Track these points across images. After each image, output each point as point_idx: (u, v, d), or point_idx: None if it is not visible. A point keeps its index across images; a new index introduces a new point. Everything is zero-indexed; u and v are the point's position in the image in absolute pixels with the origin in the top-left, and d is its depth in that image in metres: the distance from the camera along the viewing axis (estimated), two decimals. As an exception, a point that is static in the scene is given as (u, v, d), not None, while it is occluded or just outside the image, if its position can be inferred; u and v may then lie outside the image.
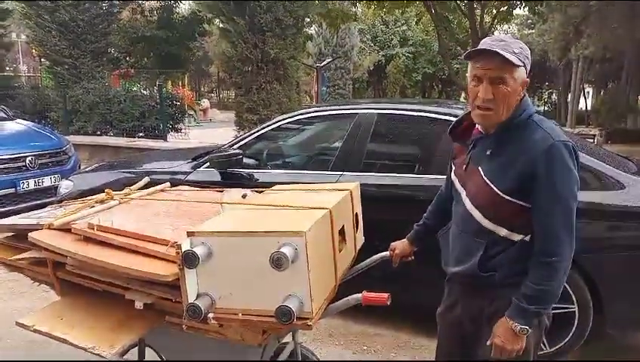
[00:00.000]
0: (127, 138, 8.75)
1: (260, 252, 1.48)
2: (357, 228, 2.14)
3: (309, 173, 3.35)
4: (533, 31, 25.36)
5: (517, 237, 1.54)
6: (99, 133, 9.43)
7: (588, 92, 31.98)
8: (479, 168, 1.56)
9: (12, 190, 4.99)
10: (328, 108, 3.63)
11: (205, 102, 26.29)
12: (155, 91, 8.94)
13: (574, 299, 2.70)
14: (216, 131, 13.82)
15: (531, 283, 1.46)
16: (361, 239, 2.21)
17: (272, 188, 2.23)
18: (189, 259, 1.50)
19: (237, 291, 1.57)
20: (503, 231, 1.54)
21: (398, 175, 3.17)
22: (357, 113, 3.28)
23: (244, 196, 2.10)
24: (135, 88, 10.41)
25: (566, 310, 2.70)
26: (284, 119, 3.51)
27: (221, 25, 8.45)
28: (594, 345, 2.86)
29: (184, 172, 3.52)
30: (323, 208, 1.74)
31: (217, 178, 3.40)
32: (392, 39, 29.49)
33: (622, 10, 14.39)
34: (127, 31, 14.61)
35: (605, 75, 27.26)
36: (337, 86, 22.46)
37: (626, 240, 2.69)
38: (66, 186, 3.88)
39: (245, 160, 3.48)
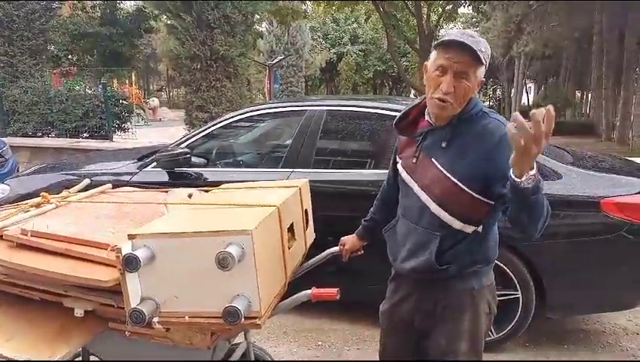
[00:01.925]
0: (71, 139, 8.36)
1: (205, 252, 1.44)
2: (307, 225, 2.13)
3: (260, 171, 3.33)
4: (478, 29, 26.24)
5: (470, 229, 1.56)
6: (40, 134, 8.97)
7: (530, 87, 33.49)
8: (433, 160, 1.56)
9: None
10: (277, 105, 3.60)
11: (154, 101, 25.54)
12: (99, 90, 8.56)
13: (518, 285, 2.81)
14: (166, 130, 13.49)
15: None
16: (311, 235, 2.20)
17: (220, 186, 2.19)
18: (130, 263, 1.45)
19: (182, 294, 1.53)
20: (457, 224, 1.55)
21: (348, 171, 3.20)
22: (306, 110, 3.28)
23: (190, 196, 2.05)
24: (78, 87, 9.94)
25: (510, 296, 2.82)
26: (233, 117, 3.45)
27: (168, 21, 8.22)
28: (536, 330, 2.99)
29: (129, 173, 3.40)
30: (270, 205, 1.72)
31: (165, 178, 3.31)
32: (342, 37, 29.76)
33: (561, 8, 15.14)
34: (67, 27, 13.91)
35: (545, 71, 28.63)
36: (290, 84, 22.36)
37: (564, 227, 2.82)
38: (2, 191, 3.65)
39: (194, 159, 3.40)
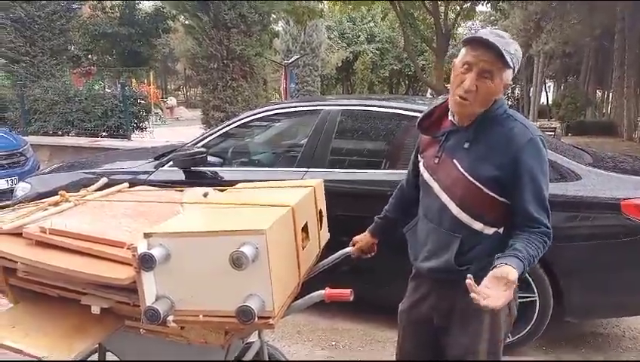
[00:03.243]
0: (90, 138, 8.50)
1: (219, 252, 1.45)
2: (321, 225, 2.13)
3: (275, 170, 3.33)
4: (496, 27, 25.93)
5: (491, 230, 1.55)
6: (60, 133, 9.13)
7: (549, 86, 32.99)
8: (454, 160, 1.56)
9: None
10: (293, 105, 3.61)
11: (172, 101, 25.81)
12: (118, 89, 8.69)
13: (535, 288, 2.77)
14: (183, 130, 13.60)
15: (519, 245, 1.43)
16: (325, 236, 2.20)
17: (235, 186, 2.20)
18: (146, 261, 1.47)
19: (197, 292, 1.54)
20: (477, 225, 1.55)
21: (363, 170, 3.19)
22: (321, 110, 3.28)
23: (205, 195, 2.06)
24: (97, 87, 10.10)
25: (527, 299, 2.78)
26: (248, 116, 3.47)
27: (185, 21, 8.29)
28: (554, 333, 2.95)
29: (146, 171, 3.44)
30: (285, 206, 1.72)
31: (181, 177, 3.34)
32: (359, 36, 29.68)
33: (581, 5, 14.87)
34: (87, 28, 14.14)
35: (565, 69, 28.17)
36: (306, 83, 22.37)
37: (583, 229, 2.77)
38: (22, 189, 3.74)
39: (210, 158, 3.43)
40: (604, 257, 2.74)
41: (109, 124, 8.69)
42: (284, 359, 2.28)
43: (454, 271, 1.58)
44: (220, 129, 3.50)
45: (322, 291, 1.70)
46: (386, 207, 1.99)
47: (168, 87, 44.00)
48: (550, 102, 29.87)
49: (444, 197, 1.59)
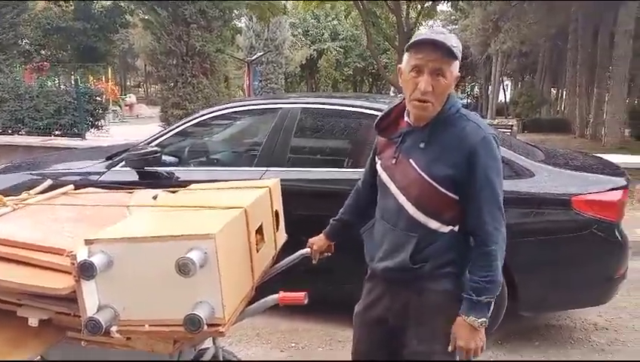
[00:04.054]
0: (42, 137, 8.14)
1: (166, 258, 1.39)
2: (278, 226, 2.09)
3: (233, 170, 3.26)
4: (456, 27, 26.45)
5: (447, 228, 1.56)
6: (10, 131, 8.70)
7: (507, 85, 33.94)
8: (410, 160, 1.56)
9: None
10: (251, 102, 3.55)
11: (131, 97, 25.03)
12: (72, 86, 8.35)
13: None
14: (142, 127, 13.22)
15: (477, 277, 1.50)
16: (282, 237, 2.16)
17: (188, 187, 2.13)
18: (85, 270, 1.39)
19: (143, 301, 1.48)
20: (433, 224, 1.56)
21: (323, 169, 3.16)
22: (281, 108, 3.22)
23: (154, 197, 1.98)
24: (50, 83, 9.66)
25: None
26: (205, 114, 3.38)
27: (144, 16, 8.05)
28: (508, 326, 3.00)
29: (98, 172, 3.30)
30: (237, 207, 1.67)
31: (135, 178, 3.22)
32: (323, 33, 29.68)
33: (538, 6, 15.33)
34: (39, 22, 13.50)
35: (522, 68, 29.06)
36: (270, 80, 22.22)
37: (536, 225, 2.84)
38: (-36, 191, 3.51)
39: (166, 158, 3.33)
40: (556, 252, 2.82)
41: (62, 122, 8.33)
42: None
43: (409, 270, 1.58)
44: (176, 127, 3.39)
45: (276, 295, 1.67)
46: (341, 209, 1.96)
47: (128, 83, 42.80)
48: (508, 100, 30.76)
49: (401, 198, 1.59)
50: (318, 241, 2.01)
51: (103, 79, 22.02)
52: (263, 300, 1.67)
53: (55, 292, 1.44)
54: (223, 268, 1.44)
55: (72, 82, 8.58)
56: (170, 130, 3.39)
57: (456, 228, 1.58)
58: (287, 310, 3.18)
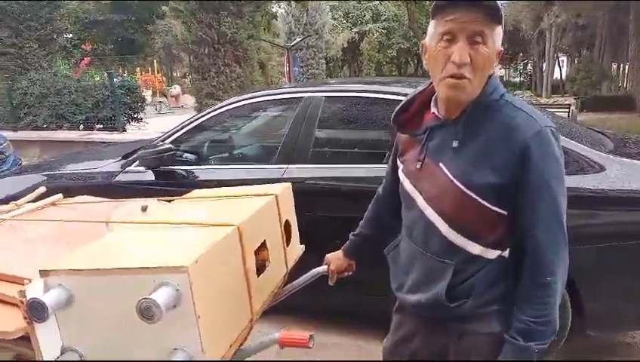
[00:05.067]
0: (82, 131, 8.20)
1: (132, 295, 1.11)
2: (289, 240, 1.78)
3: (251, 167, 2.96)
4: (506, 1, 25.03)
5: (493, 254, 1.19)
6: (54, 127, 8.83)
7: (562, 61, 31.98)
8: (441, 164, 1.19)
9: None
10: (272, 92, 3.20)
11: (176, 89, 25.39)
12: (109, 80, 8.34)
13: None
14: (185, 118, 13.24)
15: (527, 316, 1.14)
16: (296, 251, 1.85)
17: (188, 194, 1.85)
18: (35, 311, 1.13)
19: (109, 344, 1.20)
20: (475, 248, 1.19)
21: (351, 166, 2.80)
22: (302, 97, 2.88)
23: (144, 209, 1.71)
24: (98, 77, 9.73)
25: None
26: (221, 107, 3.09)
27: (174, 5, 7.88)
28: (574, 346, 2.57)
29: (112, 172, 3.09)
30: (227, 225, 1.36)
31: (151, 178, 3.00)
32: (364, 15, 28.88)
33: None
34: (77, 16, 13.72)
35: (579, 42, 27.19)
36: (310, 66, 21.83)
37: (606, 228, 2.38)
38: (-17, 193, 3.41)
39: (185, 155, 3.08)
40: (631, 260, 2.34)
41: (100, 116, 8.35)
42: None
43: (445, 308, 1.21)
44: (191, 122, 3.13)
45: (277, 334, 1.36)
46: (360, 222, 1.62)
47: (174, 74, 43.61)
48: (564, 77, 28.95)
49: (430, 213, 1.22)
50: (335, 260, 1.68)
51: (150, 71, 22.43)
52: (260, 341, 1.37)
53: (2, 336, 1.19)
54: (202, 307, 1.15)
55: (116, 75, 8.54)
56: (185, 126, 3.13)
57: (505, 253, 1.20)
58: (316, 319, 2.93)
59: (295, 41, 17.70)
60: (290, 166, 2.75)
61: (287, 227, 1.77)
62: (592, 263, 2.33)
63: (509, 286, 1.20)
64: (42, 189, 2.07)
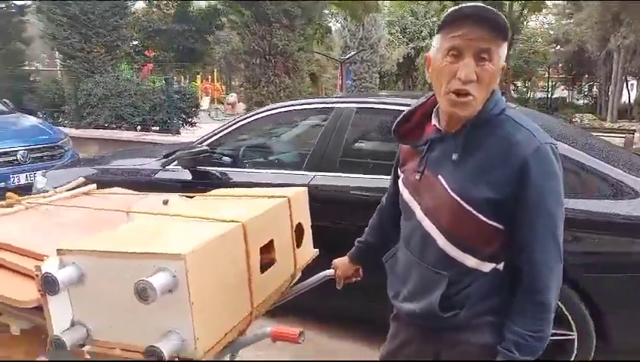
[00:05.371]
0: (137, 132, 8.66)
1: (135, 277, 1.20)
2: (300, 241, 1.83)
3: (283, 172, 3.05)
4: (572, 20, 24.10)
5: (488, 266, 1.20)
6: (113, 126, 9.38)
7: (632, 84, 30.30)
8: (439, 177, 1.21)
9: (2, 184, 4.89)
10: (305, 102, 3.31)
11: (233, 96, 26.28)
12: (167, 85, 8.79)
13: (573, 325, 2.30)
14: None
15: (522, 329, 1.14)
16: (308, 253, 1.90)
17: (211, 192, 1.95)
18: (48, 284, 1.24)
19: (115, 322, 1.31)
20: (470, 261, 1.20)
21: (378, 177, 2.83)
22: (334, 107, 2.95)
23: (165, 202, 1.82)
24: (158, 83, 10.27)
25: (564, 337, 2.32)
26: (259, 113, 3.22)
27: (230, 16, 8.22)
28: None
29: (153, 170, 3.28)
30: (233, 221, 1.44)
31: (187, 177, 3.15)
32: (421, 31, 28.71)
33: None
34: (142, 24, 14.53)
35: (649, 66, 25.70)
36: (364, 79, 21.93)
37: (637, 257, 2.27)
38: (40, 182, 3.71)
39: (222, 157, 3.23)
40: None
41: (156, 118, 8.80)
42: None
43: (438, 318, 1.23)
44: (228, 127, 3.27)
45: (269, 328, 1.42)
46: (366, 229, 1.65)
47: (233, 83, 44.95)
48: (632, 100, 27.42)
49: (427, 224, 1.24)
50: (342, 266, 1.72)
51: (210, 79, 23.30)
52: (254, 333, 1.44)
53: (17, 304, 1.32)
54: (198, 294, 1.22)
55: (175, 81, 9.01)
56: (223, 130, 3.27)
57: (500, 266, 1.20)
58: (334, 325, 2.96)
59: (349, 55, 17.89)
60: (318, 173, 2.81)
61: (299, 229, 1.83)
62: (619, 292, 2.24)
63: (503, 299, 1.20)
64: (81, 180, 2.24)
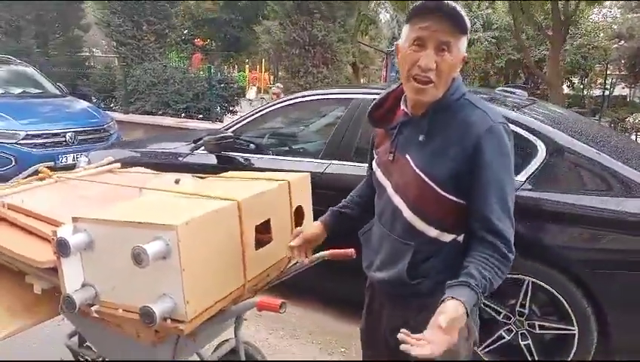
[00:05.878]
0: (179, 119, 9.00)
1: (135, 244, 1.35)
2: (299, 224, 1.94)
3: (301, 160, 3.17)
4: (638, 14, 22.73)
5: (448, 237, 1.33)
6: (160, 112, 9.78)
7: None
8: (407, 156, 1.34)
9: (51, 164, 5.26)
10: (326, 92, 3.40)
11: (278, 87, 26.68)
12: (211, 73, 9.07)
13: (575, 320, 2.31)
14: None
15: (486, 272, 1.20)
16: (308, 235, 2.01)
17: (223, 174, 2.10)
18: (61, 247, 1.43)
19: (118, 285, 1.48)
20: (433, 232, 1.33)
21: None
22: (352, 98, 3.04)
23: (177, 181, 1.98)
24: (205, 72, 10.60)
25: (564, 332, 2.34)
26: (277, 103, 3.35)
27: (272, 6, 8.38)
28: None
29: (182, 154, 3.48)
30: (230, 199, 1.57)
31: (213, 161, 3.33)
32: (474, 23, 27.89)
33: None
34: (192, 13, 14.94)
35: None
36: (409, 71, 21.63)
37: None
38: (83, 162, 4.00)
39: (247, 143, 3.38)
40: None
41: (199, 106, 9.11)
42: (261, 359, 2.15)
43: (406, 285, 1.36)
44: (253, 114, 3.42)
45: (256, 298, 1.55)
46: (343, 200, 1.69)
47: (280, 73, 45.40)
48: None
49: (397, 200, 1.37)
50: (307, 232, 1.63)
51: (258, 69, 23.69)
52: (242, 303, 1.57)
53: (35, 264, 1.50)
54: (189, 262, 1.37)
55: (223, 69, 9.28)
56: (248, 117, 3.42)
57: (460, 238, 1.32)
58: (348, 310, 3.05)
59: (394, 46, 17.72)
60: (333, 161, 2.92)
61: (299, 213, 1.94)
62: (623, 290, 2.23)
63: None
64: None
